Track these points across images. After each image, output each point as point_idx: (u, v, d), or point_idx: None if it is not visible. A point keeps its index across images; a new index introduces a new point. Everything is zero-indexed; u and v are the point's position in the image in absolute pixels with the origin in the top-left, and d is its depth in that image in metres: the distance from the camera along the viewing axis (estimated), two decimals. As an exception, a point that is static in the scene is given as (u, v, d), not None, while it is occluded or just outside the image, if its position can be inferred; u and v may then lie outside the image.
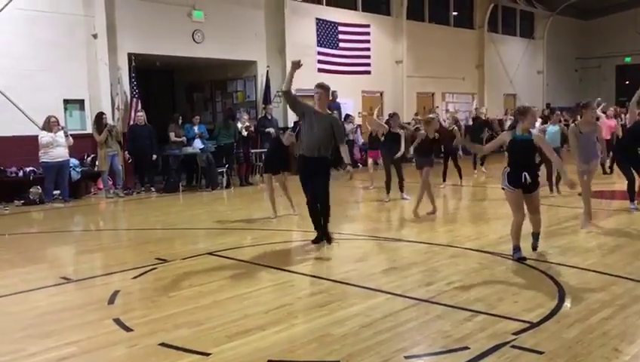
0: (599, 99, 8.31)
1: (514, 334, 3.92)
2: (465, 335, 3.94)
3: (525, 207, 5.95)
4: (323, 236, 6.92)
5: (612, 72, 27.26)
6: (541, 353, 3.63)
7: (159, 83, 17.93)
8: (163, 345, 3.92)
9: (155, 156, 12.74)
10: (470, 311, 4.43)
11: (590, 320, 4.18)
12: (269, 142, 14.89)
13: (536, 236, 6.21)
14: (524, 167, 5.83)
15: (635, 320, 4.23)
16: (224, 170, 13.30)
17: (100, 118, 12.09)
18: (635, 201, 8.59)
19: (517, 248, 5.96)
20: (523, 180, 5.79)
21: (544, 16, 25.13)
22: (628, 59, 26.34)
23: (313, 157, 6.67)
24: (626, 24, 25.32)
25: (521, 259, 5.85)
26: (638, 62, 25.81)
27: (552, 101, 24.86)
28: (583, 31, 27.43)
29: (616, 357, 3.58)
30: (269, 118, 15.08)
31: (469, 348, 3.72)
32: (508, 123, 21.76)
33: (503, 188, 5.99)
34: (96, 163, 12.45)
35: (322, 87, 6.79)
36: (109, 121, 12.27)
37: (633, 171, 8.53)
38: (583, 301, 4.65)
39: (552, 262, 5.81)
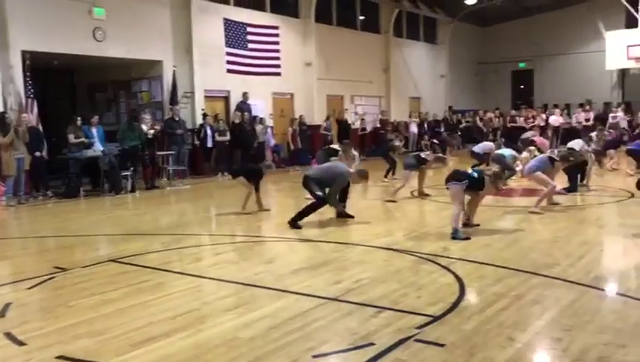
0: None
1: (417, 328, 4.05)
2: (371, 332, 4.02)
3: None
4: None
5: (508, 77, 28.88)
6: (442, 345, 3.77)
7: (59, 83, 16.97)
8: (61, 357, 3.72)
9: (38, 153, 11.73)
10: (376, 307, 4.54)
11: (487, 312, 4.40)
12: (177, 145, 14.57)
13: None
14: None
15: (528, 309, 4.49)
16: (129, 173, 12.80)
17: (2, 118, 11.22)
18: None
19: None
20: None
21: (446, 22, 26.21)
22: (522, 65, 28.01)
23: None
24: (520, 31, 26.88)
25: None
26: (531, 67, 27.57)
27: (455, 104, 25.96)
28: (482, 37, 28.85)
29: (510, 345, 3.78)
30: (177, 119, 14.75)
31: (375, 344, 3.80)
32: (413, 126, 22.60)
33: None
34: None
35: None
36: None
37: None
38: (481, 294, 4.89)
39: (453, 258, 6.06)
